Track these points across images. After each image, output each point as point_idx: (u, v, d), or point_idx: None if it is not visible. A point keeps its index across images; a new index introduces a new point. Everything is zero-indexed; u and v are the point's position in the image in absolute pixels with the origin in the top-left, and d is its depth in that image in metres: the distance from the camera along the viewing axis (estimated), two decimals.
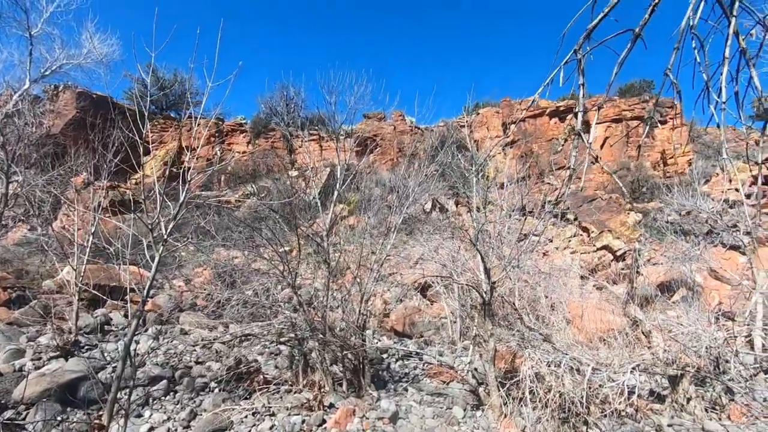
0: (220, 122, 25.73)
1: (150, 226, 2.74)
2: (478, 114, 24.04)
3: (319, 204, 6.55)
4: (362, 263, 5.71)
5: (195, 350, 7.26)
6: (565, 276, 11.46)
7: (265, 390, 5.23)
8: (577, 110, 1.53)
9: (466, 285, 5.20)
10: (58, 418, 4.27)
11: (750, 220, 8.83)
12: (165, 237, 2.74)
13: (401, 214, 6.04)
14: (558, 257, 16.83)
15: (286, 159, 24.93)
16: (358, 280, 5.53)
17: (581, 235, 18.74)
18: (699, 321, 5.45)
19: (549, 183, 21.03)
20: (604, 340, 8.79)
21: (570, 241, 17.94)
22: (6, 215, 6.94)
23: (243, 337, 6.77)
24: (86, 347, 7.46)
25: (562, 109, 24.69)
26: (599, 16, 1.17)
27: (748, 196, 18.48)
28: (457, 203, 19.75)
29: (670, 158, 23.62)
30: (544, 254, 15.84)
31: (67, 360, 6.67)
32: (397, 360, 8.28)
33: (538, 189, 20.70)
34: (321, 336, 5.34)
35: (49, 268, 13.00)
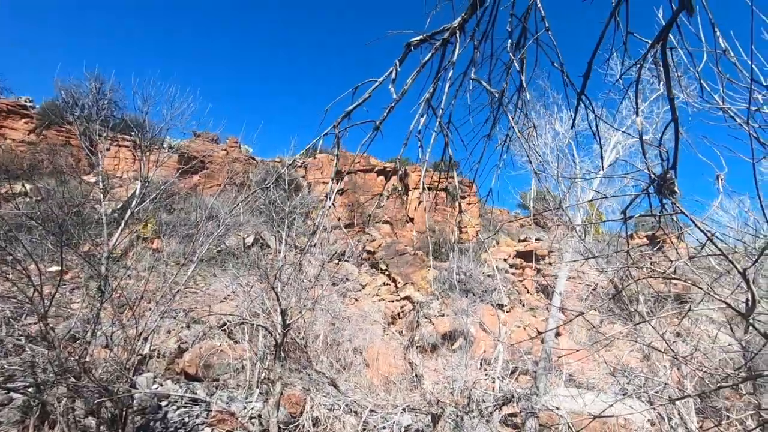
0: None
1: None
2: (316, 158, 24.92)
3: (122, 220, 5.62)
4: (152, 294, 5.03)
5: None
6: (370, 322, 12.30)
7: None
8: (332, 175, 1.77)
9: (260, 326, 5.06)
10: None
11: (511, 285, 11.22)
12: None
13: (208, 243, 5.63)
14: (367, 304, 18.01)
15: (84, 161, 20.84)
16: (135, 312, 4.81)
17: (390, 284, 20.61)
18: (459, 366, 6.50)
19: (369, 233, 22.79)
20: (393, 382, 9.62)
21: (380, 289, 19.49)
22: None
23: None
24: None
25: (388, 170, 27.64)
26: (354, 104, 1.44)
27: (512, 266, 23.57)
28: (280, 241, 19.51)
29: (464, 227, 28.55)
30: (356, 300, 16.76)
31: None
32: (178, 408, 7.33)
33: (358, 238, 22.18)
34: (73, 380, 4.39)
35: None
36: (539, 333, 17.09)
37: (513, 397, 6.43)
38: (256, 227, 19.65)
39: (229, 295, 12.36)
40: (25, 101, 21.46)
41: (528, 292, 22.02)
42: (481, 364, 10.68)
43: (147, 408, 6.43)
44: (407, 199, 26.91)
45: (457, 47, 1.32)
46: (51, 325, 4.50)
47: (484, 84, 1.35)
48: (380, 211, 25.54)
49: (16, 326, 4.67)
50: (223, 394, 7.99)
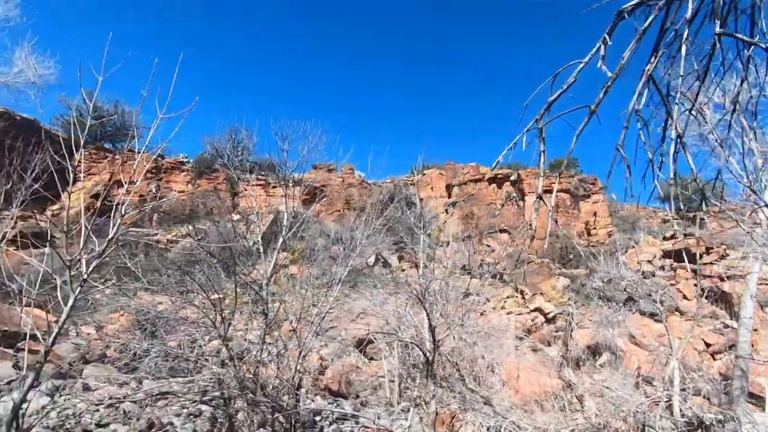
0: (160, 158, 24.61)
1: (68, 263, 2.42)
2: (424, 174, 25.20)
3: (261, 250, 6.29)
4: (302, 315, 5.43)
5: (98, 410, 6.32)
6: (502, 336, 11.69)
7: None
8: (541, 175, 1.63)
9: (410, 342, 5.08)
10: None
11: (662, 290, 9.70)
12: (85, 276, 2.41)
13: (347, 266, 5.92)
14: (494, 317, 17.23)
15: (228, 202, 24.10)
16: (297, 333, 5.22)
17: (516, 296, 19.48)
18: (625, 386, 5.69)
19: (487, 245, 22.01)
20: (538, 402, 8.88)
21: (506, 301, 18.53)
22: None
23: (159, 396, 6.02)
24: None
25: (499, 176, 26.58)
26: (558, 92, 1.29)
27: (660, 268, 20.47)
28: (400, 258, 19.91)
29: (593, 229, 25.87)
30: (482, 314, 16.18)
31: None
32: (331, 423, 7.74)
33: (476, 250, 21.55)
34: (251, 395, 4.89)
35: None
36: (708, 346, 14.40)
37: (702, 423, 5.41)
38: (375, 246, 20.38)
39: (361, 313, 12.89)
40: (183, 157, 25.86)
41: (685, 298, 18.83)
42: (637, 383, 9.29)
43: (306, 422, 6.87)
44: (523, 205, 25.47)
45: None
46: (229, 345, 5.09)
47: (741, 37, 1.08)
48: (495, 220, 24.57)
49: (203, 347, 5.37)
50: (369, 411, 8.22)
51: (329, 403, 9.31)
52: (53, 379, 8.14)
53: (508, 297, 18.82)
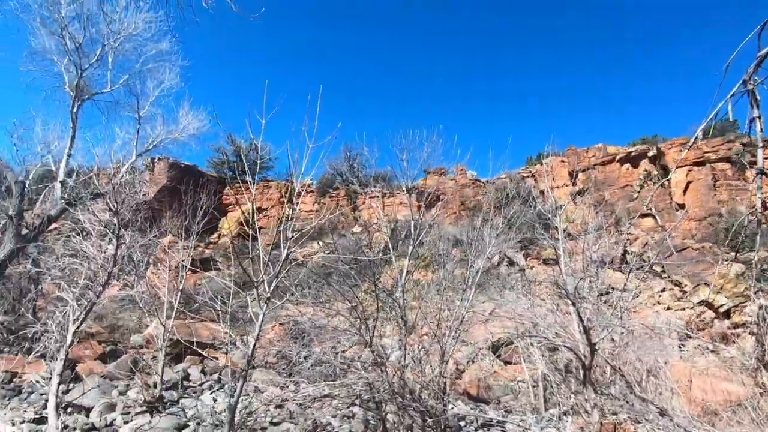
0: (290, 184, 27.44)
1: (255, 284, 2.81)
2: (543, 164, 23.50)
3: (391, 258, 6.52)
4: (441, 320, 5.46)
5: (269, 410, 7.17)
6: (663, 336, 10.18)
7: None
8: (760, 146, 1.35)
9: (562, 345, 4.72)
10: None
11: None
12: (268, 295, 2.78)
13: (479, 268, 5.79)
14: (648, 314, 15.11)
15: (350, 216, 25.66)
16: (437, 338, 5.26)
17: (672, 288, 16.84)
18: None
19: (628, 233, 19.52)
20: (716, 413, 7.43)
21: (660, 296, 16.14)
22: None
23: (316, 398, 6.60)
24: (169, 402, 7.66)
25: (633, 154, 23.44)
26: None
27: None
28: (526, 256, 18.84)
29: None
30: (633, 311, 14.34)
31: (152, 415, 6.86)
32: (476, 429, 7.59)
33: (616, 240, 19.28)
34: (400, 399, 5.04)
35: (138, 323, 13.95)
36: None
37: None
38: (497, 246, 19.61)
39: (491, 315, 12.48)
40: (309, 181, 28.53)
41: None
42: None
43: (453, 427, 6.83)
44: (669, 182, 21.98)
45: None
46: (375, 351, 5.32)
47: None
48: (635, 204, 21.68)
49: (345, 352, 5.69)
50: (516, 417, 7.85)
51: (471, 409, 9.16)
52: (232, 381, 9.54)
53: (662, 290, 16.37)
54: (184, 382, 9.33)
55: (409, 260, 5.89)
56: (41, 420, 6.18)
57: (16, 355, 9.36)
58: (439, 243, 19.68)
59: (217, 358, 11.88)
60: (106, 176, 8.83)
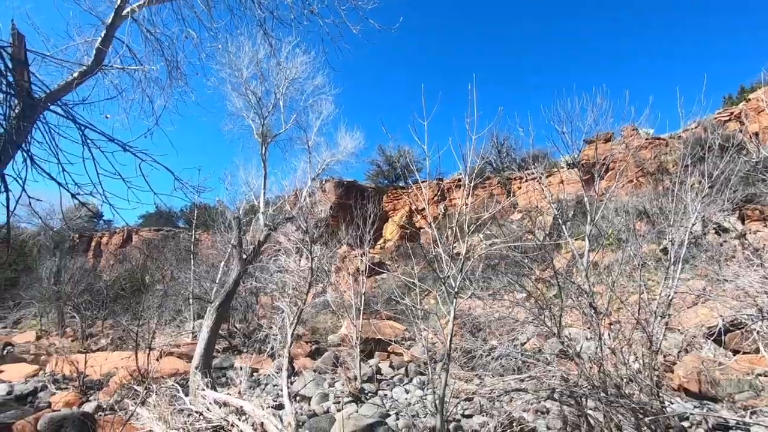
0: (440, 181, 27.95)
1: (443, 280, 2.95)
2: (748, 100, 18.43)
3: (566, 240, 5.99)
4: (640, 304, 4.76)
5: (459, 402, 7.35)
6: None
7: None
8: None
9: None
10: None
11: None
12: (456, 290, 2.88)
13: (683, 239, 4.86)
14: None
15: (506, 204, 24.64)
16: (639, 325, 4.59)
17: None
18: None
19: None
20: None
21: None
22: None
23: (506, 392, 6.47)
24: (369, 394, 8.56)
25: None
26: None
27: None
28: (743, 218, 15.01)
29: None
30: None
31: (358, 405, 7.78)
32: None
33: None
34: (603, 394, 4.56)
35: (332, 324, 16.00)
36: None
37: None
38: (701, 211, 16.31)
39: (704, 293, 10.34)
40: (458, 175, 28.55)
41: None
42: None
43: (674, 427, 5.87)
44: None
45: None
46: (566, 342, 4.94)
47: None
48: None
49: (524, 344, 5.41)
50: (765, 419, 6.29)
51: (695, 407, 7.74)
52: (417, 375, 10.12)
53: None
54: (377, 376, 10.25)
55: (588, 240, 5.32)
56: (279, 406, 7.60)
57: (252, 354, 11.78)
58: (618, 217, 17.29)
59: (401, 354, 12.79)
60: (291, 203, 10.42)
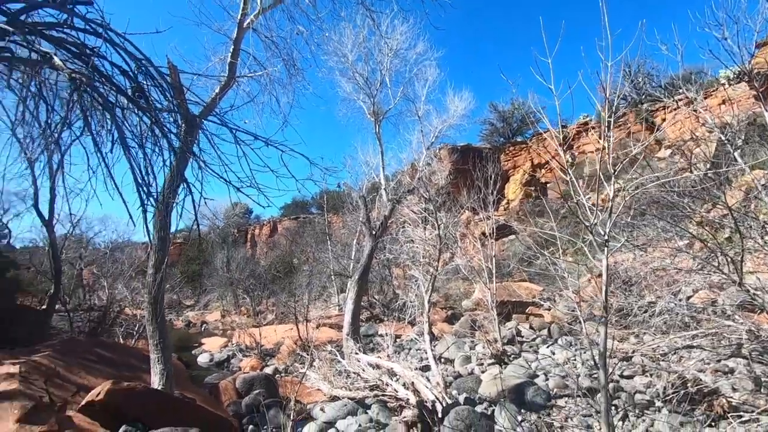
0: (564, 129, 25.36)
1: (589, 228, 2.72)
2: None
3: (746, 170, 4.94)
4: None
5: (617, 363, 6.79)
6: None
7: (737, 418, 4.09)
8: None
9: None
10: (519, 418, 4.87)
11: None
12: (606, 238, 2.63)
13: None
14: None
15: (651, 140, 21.27)
16: None
17: None
18: None
19: None
20: None
21: None
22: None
23: (673, 350, 5.75)
24: (512, 355, 8.46)
25: None
26: None
27: None
28: None
29: None
30: None
31: (502, 366, 7.76)
32: None
33: None
34: None
35: (464, 290, 16.11)
36: None
37: None
38: None
39: None
40: (584, 118, 25.56)
41: None
42: None
43: None
44: None
45: None
46: (752, 292, 4.18)
47: None
48: None
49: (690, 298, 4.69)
50: None
51: None
52: (563, 335, 9.62)
53: None
54: (518, 338, 10.03)
55: None
56: (424, 368, 8.03)
57: (393, 321, 12.58)
58: None
59: (540, 315, 12.28)
60: (409, 175, 10.61)
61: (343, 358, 7.61)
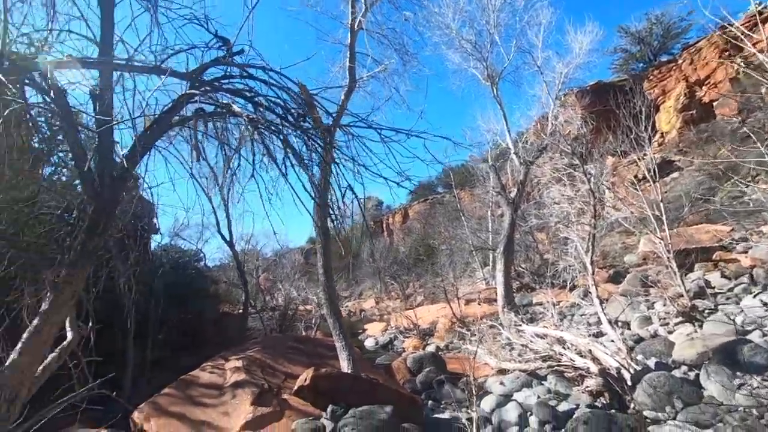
0: (725, 29, 20.35)
1: None
2: None
3: None
4: None
5: None
6: None
7: None
8: None
9: None
10: (736, 382, 4.14)
11: None
12: None
13: None
14: None
15: None
16: None
17: None
18: None
19: None
20: None
21: None
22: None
23: None
24: (705, 310, 7.24)
25: None
26: None
27: None
28: None
29: None
30: None
31: (694, 324, 6.69)
32: None
33: None
34: None
35: (623, 244, 14.37)
36: None
37: None
38: None
39: None
40: (756, 8, 20.12)
41: None
42: None
43: None
44: None
45: None
46: None
47: None
48: None
49: None
50: None
51: None
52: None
53: None
54: (708, 290, 8.55)
55: None
56: (597, 334, 7.41)
57: (547, 289, 11.87)
58: None
59: (734, 260, 10.21)
60: (538, 132, 9.82)
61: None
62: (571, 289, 11.27)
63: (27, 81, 1.96)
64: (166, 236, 11.37)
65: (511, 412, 5.07)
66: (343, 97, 4.54)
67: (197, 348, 8.74)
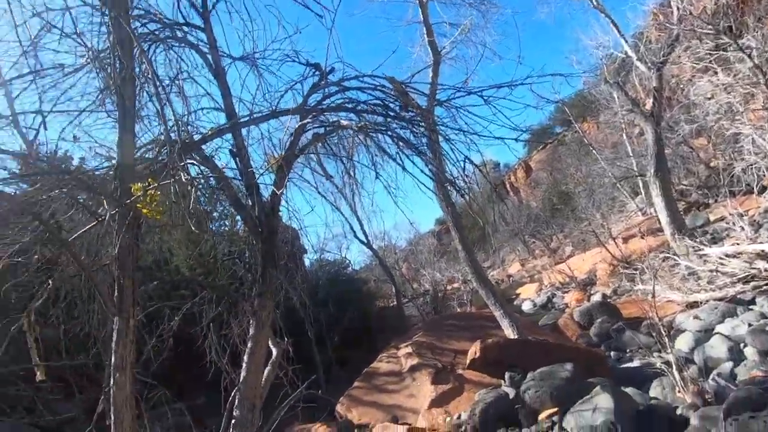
0: None
1: None
2: None
3: None
4: None
5: None
6: None
7: None
8: None
9: None
10: None
11: None
12: None
13: None
14: None
15: None
16: None
17: None
18: None
19: None
20: None
21: None
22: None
23: None
24: None
25: None
26: None
27: None
28: None
29: None
30: None
31: None
32: None
33: None
34: None
35: None
36: None
37: None
38: None
39: None
40: None
41: None
42: None
43: None
44: None
45: None
46: None
47: None
48: None
49: None
50: None
51: None
52: None
53: None
54: None
55: None
56: None
57: (724, 200, 9.92)
58: None
59: None
60: (660, 25, 8.27)
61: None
62: (761, 192, 9.20)
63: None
64: (315, 253, 12.70)
65: (717, 347, 4.41)
66: (431, 74, 4.48)
67: (368, 343, 9.58)
